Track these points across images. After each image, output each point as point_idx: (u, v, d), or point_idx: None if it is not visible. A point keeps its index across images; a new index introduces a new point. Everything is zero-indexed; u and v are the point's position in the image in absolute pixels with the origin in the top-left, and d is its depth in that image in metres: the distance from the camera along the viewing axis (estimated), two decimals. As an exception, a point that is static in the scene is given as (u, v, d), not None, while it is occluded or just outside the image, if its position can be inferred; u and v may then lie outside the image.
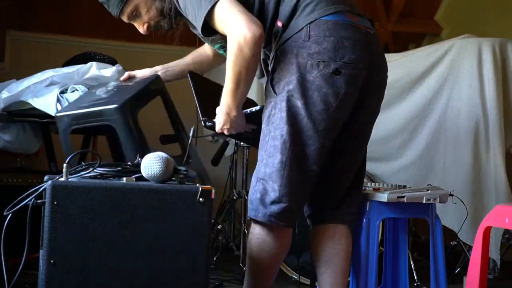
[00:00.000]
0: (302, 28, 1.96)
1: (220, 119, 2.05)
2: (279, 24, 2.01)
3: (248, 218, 2.04)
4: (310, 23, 1.96)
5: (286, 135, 1.96)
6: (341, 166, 2.13)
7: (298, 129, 1.97)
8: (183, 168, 1.79)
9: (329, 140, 2.01)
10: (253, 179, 2.05)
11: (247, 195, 4.14)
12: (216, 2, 1.92)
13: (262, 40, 1.93)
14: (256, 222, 2.02)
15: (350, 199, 2.18)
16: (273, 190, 1.98)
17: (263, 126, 2.04)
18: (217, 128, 2.10)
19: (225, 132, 2.09)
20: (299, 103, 1.95)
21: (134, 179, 1.74)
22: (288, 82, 1.97)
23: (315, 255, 2.17)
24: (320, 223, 2.18)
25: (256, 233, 2.03)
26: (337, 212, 2.16)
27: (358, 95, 2.02)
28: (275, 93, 2.00)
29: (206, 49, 2.49)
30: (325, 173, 2.10)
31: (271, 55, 2.06)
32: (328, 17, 1.97)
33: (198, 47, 2.49)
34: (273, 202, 1.98)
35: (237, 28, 1.89)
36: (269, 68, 2.07)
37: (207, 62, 2.51)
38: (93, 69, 2.93)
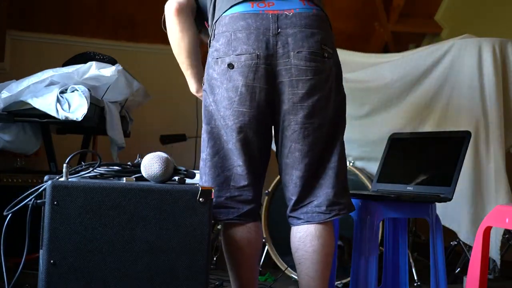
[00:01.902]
0: (212, 28, 2.03)
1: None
2: (206, 25, 2.13)
3: None
4: (215, 22, 2.01)
5: (205, 133, 2.04)
6: (285, 163, 2.04)
7: (214, 126, 2.02)
8: (183, 168, 1.79)
9: (247, 134, 1.98)
10: None
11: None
12: None
13: (181, 13, 2.08)
14: None
15: (314, 198, 2.03)
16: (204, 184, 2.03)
17: None
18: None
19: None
20: (210, 100, 2.02)
21: (134, 179, 1.74)
22: (203, 82, 2.07)
23: (294, 257, 2.09)
24: (292, 224, 2.08)
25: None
26: (301, 213, 2.04)
27: (271, 84, 1.95)
28: None
29: None
30: (280, 173, 2.07)
31: None
32: (228, 11, 1.98)
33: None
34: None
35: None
36: None
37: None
38: (93, 69, 2.93)
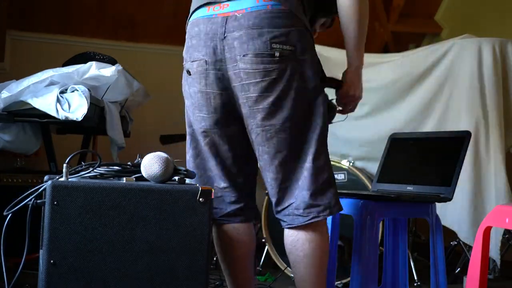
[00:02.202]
0: None
1: (358, 83, 2.07)
2: None
3: None
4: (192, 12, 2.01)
5: (188, 135, 2.11)
6: (260, 166, 2.00)
7: (192, 129, 2.08)
8: (183, 168, 1.79)
9: (212, 138, 2.01)
10: None
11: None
12: None
13: None
14: None
15: (292, 200, 1.95)
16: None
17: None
18: (358, 95, 2.09)
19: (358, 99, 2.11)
20: (187, 103, 2.08)
21: (134, 179, 1.74)
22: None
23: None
24: (282, 226, 2.02)
25: None
26: (284, 215, 1.98)
27: (225, 89, 1.93)
28: None
29: None
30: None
31: None
32: (191, 16, 1.99)
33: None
34: None
35: None
36: None
37: None
38: (93, 68, 2.93)
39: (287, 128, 1.91)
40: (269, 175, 1.96)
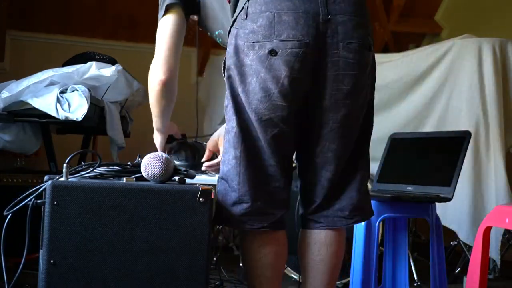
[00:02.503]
0: (243, 5, 1.73)
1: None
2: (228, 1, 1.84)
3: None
4: (248, 1, 1.72)
5: (237, 127, 1.75)
6: (314, 163, 1.82)
7: (244, 120, 1.74)
8: (183, 168, 1.79)
9: (283, 131, 1.74)
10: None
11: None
12: (162, 16, 1.93)
13: (167, 85, 1.91)
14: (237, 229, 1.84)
15: (337, 201, 1.84)
16: (233, 190, 1.76)
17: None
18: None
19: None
20: (239, 90, 1.73)
21: (134, 179, 1.74)
22: (228, 68, 1.76)
23: (299, 262, 1.92)
24: (303, 227, 1.90)
25: (243, 244, 1.83)
26: (322, 216, 1.85)
27: (313, 76, 1.72)
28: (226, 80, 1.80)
29: None
30: (303, 172, 1.87)
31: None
32: None
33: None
34: (234, 204, 1.77)
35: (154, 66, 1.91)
36: None
37: None
38: (93, 68, 2.93)
39: (359, 127, 1.85)
40: (325, 174, 1.81)
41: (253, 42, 1.68)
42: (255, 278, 1.81)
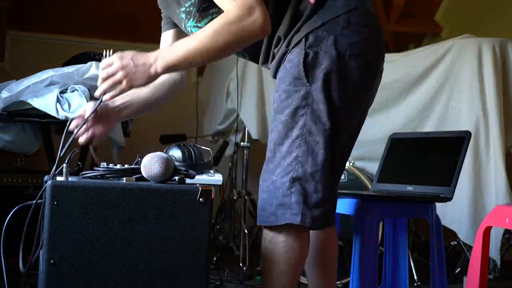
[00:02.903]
0: (341, 14, 1.78)
1: (133, 62, 1.68)
2: (311, 0, 1.81)
3: (269, 226, 1.81)
4: (350, 10, 1.79)
5: (329, 130, 1.77)
6: (342, 162, 1.93)
7: (335, 124, 1.78)
8: (183, 168, 1.79)
9: (354, 135, 1.93)
10: (280, 179, 1.79)
11: (247, 195, 4.15)
12: None
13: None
14: (278, 227, 1.79)
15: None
16: (316, 191, 1.77)
17: (284, 118, 1.79)
18: (110, 70, 1.69)
19: (115, 88, 1.71)
20: (336, 95, 1.77)
21: (134, 179, 1.74)
22: (326, 72, 1.77)
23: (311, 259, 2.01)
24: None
25: (282, 240, 1.80)
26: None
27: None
28: (308, 82, 1.78)
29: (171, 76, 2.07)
30: None
31: (297, 36, 1.81)
32: (366, 5, 1.85)
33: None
34: (316, 205, 1.77)
35: (251, 10, 1.65)
36: (290, 52, 1.82)
37: (173, 88, 2.10)
38: (93, 68, 2.93)
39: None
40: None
41: (357, 53, 1.80)
42: (289, 274, 1.83)
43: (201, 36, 1.66)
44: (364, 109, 1.92)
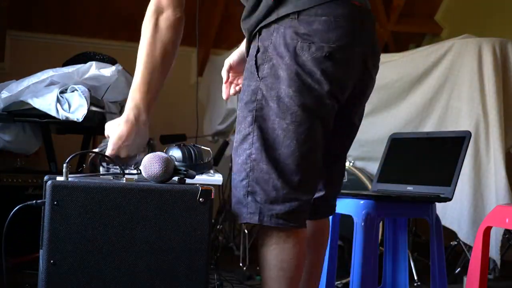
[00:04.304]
0: (297, 11, 1.69)
1: (121, 129, 1.74)
2: None
3: (262, 227, 1.74)
4: (308, 6, 1.69)
5: (280, 125, 1.69)
6: (332, 158, 1.88)
7: (292, 122, 1.68)
8: (183, 168, 1.79)
9: (325, 128, 1.74)
10: (238, 176, 1.78)
11: (247, 195, 4.14)
12: None
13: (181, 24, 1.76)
14: (269, 229, 1.73)
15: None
16: (275, 188, 1.70)
17: (239, 111, 1.76)
18: (113, 145, 1.76)
19: (122, 153, 1.78)
20: (290, 90, 1.67)
21: (134, 179, 1.74)
22: (273, 66, 1.70)
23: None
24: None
25: (272, 243, 1.73)
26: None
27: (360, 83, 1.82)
28: (259, 77, 1.72)
29: None
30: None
31: (253, 32, 1.78)
32: None
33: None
34: (275, 201, 1.70)
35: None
36: (251, 47, 1.79)
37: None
38: (93, 68, 2.93)
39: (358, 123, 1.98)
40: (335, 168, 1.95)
41: (309, 43, 1.68)
42: (287, 280, 1.74)
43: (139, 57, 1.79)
44: (339, 101, 1.74)
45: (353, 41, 1.72)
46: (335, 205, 1.98)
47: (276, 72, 1.69)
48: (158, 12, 1.84)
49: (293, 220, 1.71)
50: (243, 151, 1.75)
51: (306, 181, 1.72)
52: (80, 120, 2.80)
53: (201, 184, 1.72)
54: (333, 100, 1.72)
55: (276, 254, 1.72)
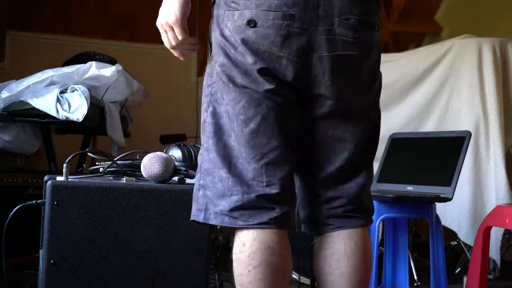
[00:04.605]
0: None
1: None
2: None
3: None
4: None
5: (225, 112, 1.45)
6: (315, 153, 1.53)
7: (231, 101, 1.45)
8: (183, 168, 1.79)
9: (268, 110, 1.43)
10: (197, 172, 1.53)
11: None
12: None
13: None
14: (236, 231, 1.49)
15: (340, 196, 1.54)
16: (221, 180, 1.43)
17: (202, 98, 1.53)
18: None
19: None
20: (224, 68, 1.47)
21: (134, 179, 1.74)
22: (212, 42, 1.51)
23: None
24: (313, 232, 1.59)
25: (236, 250, 1.51)
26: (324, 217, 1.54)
27: (306, 56, 1.42)
28: (211, 57, 1.54)
29: None
30: (302, 165, 1.54)
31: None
32: None
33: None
34: (222, 197, 1.43)
35: None
36: None
37: None
38: (93, 68, 2.93)
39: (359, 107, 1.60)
40: (331, 167, 1.55)
41: (232, 10, 1.45)
42: None
43: None
44: (268, 81, 1.42)
45: (287, 4, 1.40)
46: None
47: (215, 50, 1.50)
48: None
49: (244, 218, 1.42)
50: (202, 141, 1.51)
51: (258, 170, 1.41)
52: (80, 120, 2.79)
53: (201, 184, 1.72)
54: (270, 78, 1.42)
55: (235, 266, 1.50)
